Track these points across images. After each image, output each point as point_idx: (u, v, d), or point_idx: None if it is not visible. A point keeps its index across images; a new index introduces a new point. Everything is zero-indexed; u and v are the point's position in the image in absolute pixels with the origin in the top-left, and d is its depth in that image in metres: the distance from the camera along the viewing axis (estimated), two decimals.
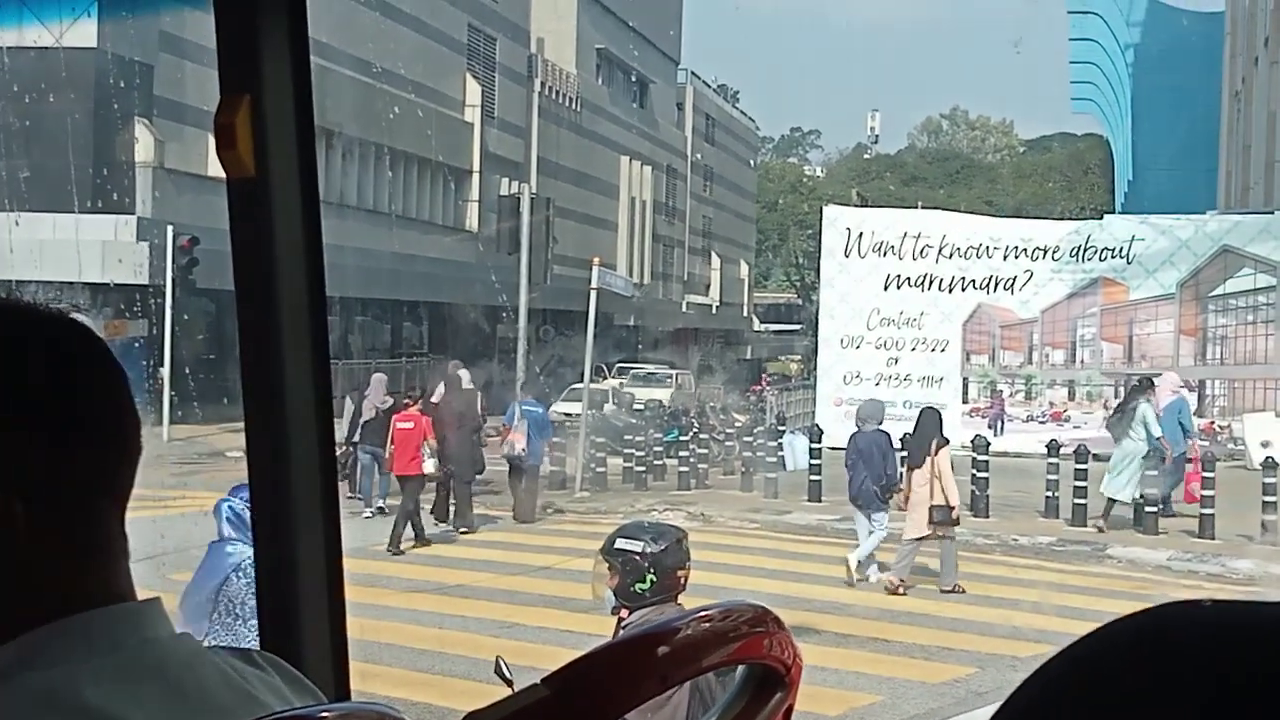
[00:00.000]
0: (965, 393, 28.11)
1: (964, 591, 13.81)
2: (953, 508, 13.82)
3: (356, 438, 18.63)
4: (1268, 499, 17.38)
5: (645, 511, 18.49)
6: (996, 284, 28.60)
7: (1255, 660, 0.56)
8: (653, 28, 62.47)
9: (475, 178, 45.43)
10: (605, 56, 57.92)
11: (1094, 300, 28.30)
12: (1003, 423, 27.94)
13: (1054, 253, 28.46)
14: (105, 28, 26.41)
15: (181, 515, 13.64)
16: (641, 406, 28.69)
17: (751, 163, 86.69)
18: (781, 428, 25.51)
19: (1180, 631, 0.58)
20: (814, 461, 21.01)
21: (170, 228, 25.09)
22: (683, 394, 36.71)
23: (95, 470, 1.11)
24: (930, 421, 14.22)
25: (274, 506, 1.46)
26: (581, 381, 23.46)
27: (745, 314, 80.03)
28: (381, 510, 18.11)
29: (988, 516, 18.65)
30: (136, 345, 24.88)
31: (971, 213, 36.87)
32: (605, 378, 38.15)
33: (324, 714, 0.99)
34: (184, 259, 24.70)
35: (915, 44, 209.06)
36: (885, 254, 28.84)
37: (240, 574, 5.91)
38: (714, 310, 72.53)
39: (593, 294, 22.20)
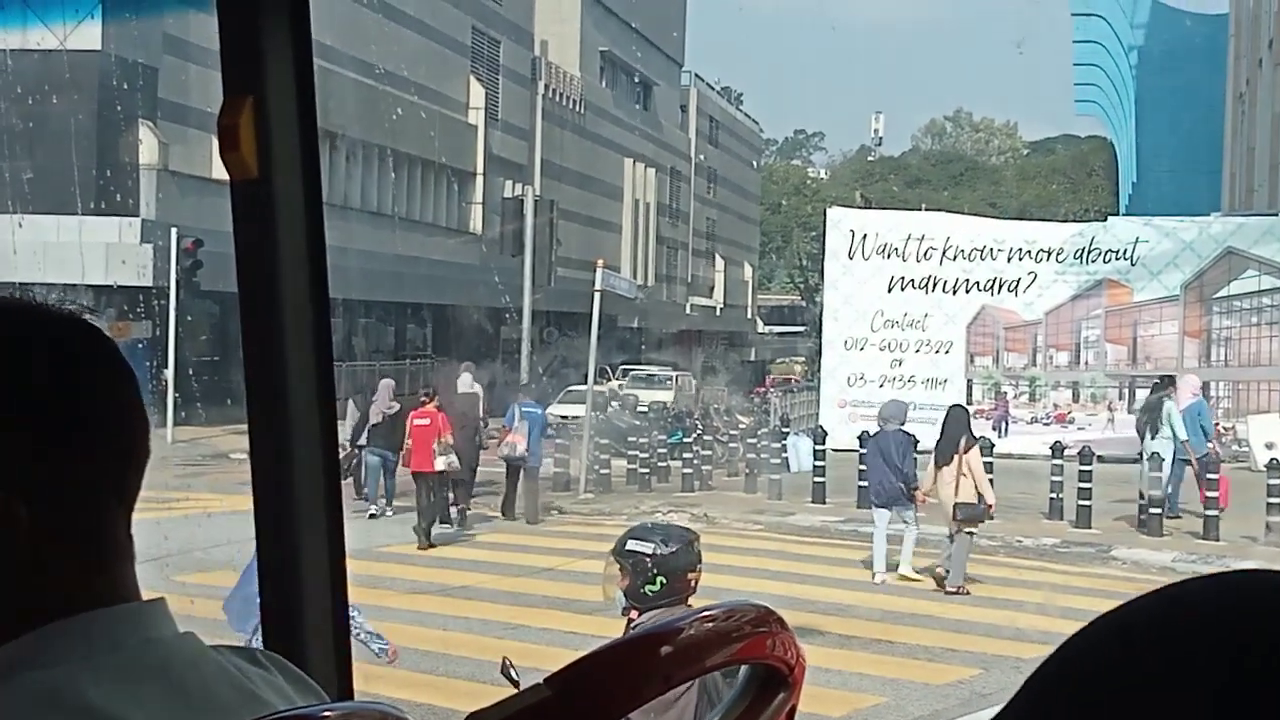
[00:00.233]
0: (969, 395, 28.06)
1: (969, 593, 13.84)
2: (990, 505, 14.17)
3: (363, 440, 18.70)
4: (1272, 500, 17.35)
5: (649, 513, 18.50)
6: (1000, 286, 28.58)
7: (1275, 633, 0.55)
8: (656, 30, 62.50)
9: (479, 180, 45.47)
10: (609, 59, 57.95)
11: (1098, 302, 28.28)
12: (1007, 424, 27.93)
13: (1058, 255, 28.44)
14: (109, 30, 26.40)
15: (185, 517, 13.66)
16: (646, 408, 28.69)
17: (755, 165, 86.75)
18: (785, 429, 25.51)
19: (1195, 609, 0.58)
20: (818, 463, 21.04)
21: (174, 230, 25.13)
22: (682, 395, 36.71)
23: (101, 472, 1.10)
24: (958, 420, 14.46)
25: (277, 507, 1.46)
26: (581, 384, 23.48)
27: (749, 316, 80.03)
28: (383, 514, 18.14)
29: (991, 518, 18.62)
30: (140, 347, 24.92)
31: (975, 215, 36.86)
32: (609, 379, 38.15)
33: (327, 713, 0.99)
34: (188, 261, 24.74)
35: (919, 46, 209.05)
36: (889, 256, 28.83)
37: None
38: (718, 312, 72.54)
39: (596, 296, 22.20)
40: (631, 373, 41.18)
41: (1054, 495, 19.27)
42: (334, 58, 31.11)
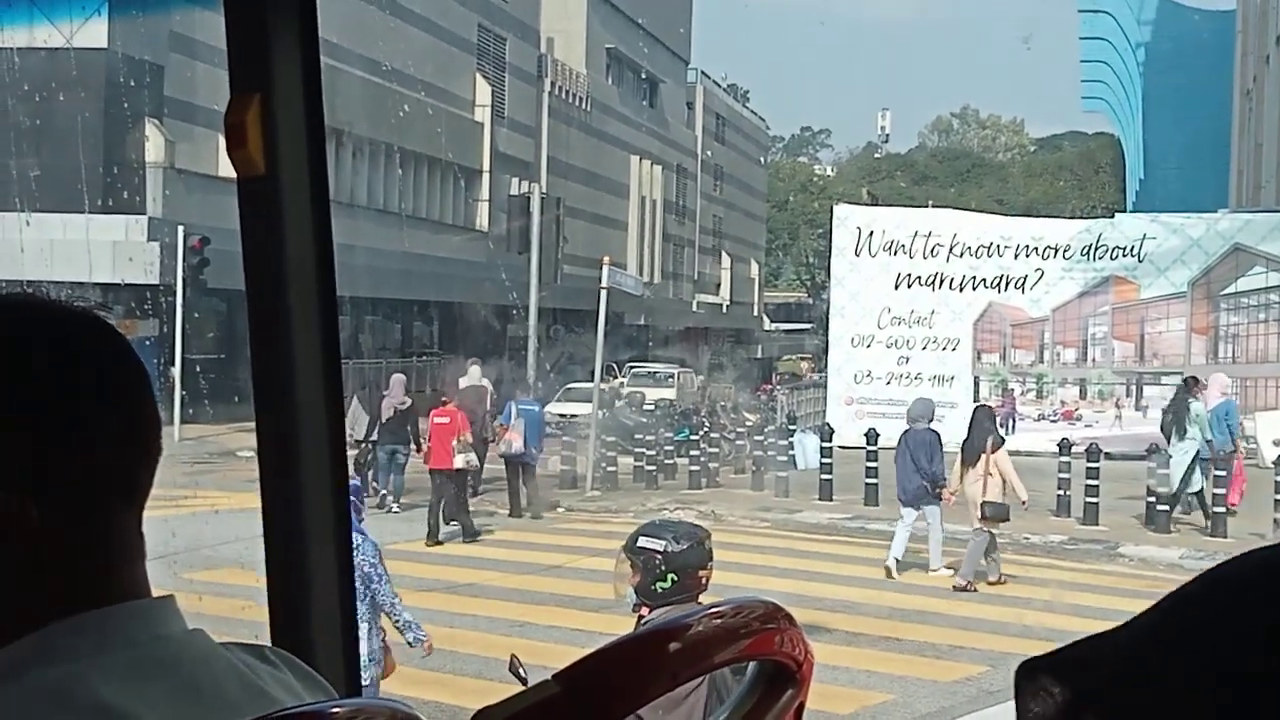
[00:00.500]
0: (976, 391, 28.01)
1: (976, 590, 13.86)
2: (1024, 502, 14.49)
3: (374, 436, 18.76)
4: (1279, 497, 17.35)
5: (656, 510, 18.51)
6: (1007, 283, 28.55)
7: None
8: (662, 27, 62.49)
9: (485, 177, 45.48)
10: (615, 56, 57.94)
11: (1105, 299, 28.23)
12: (1014, 421, 27.86)
13: (1065, 251, 28.39)
14: (116, 28, 26.45)
15: (193, 515, 13.69)
16: (652, 406, 28.70)
17: (762, 161, 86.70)
18: (792, 426, 25.52)
19: None
20: (825, 460, 21.03)
21: (181, 228, 25.16)
22: (685, 393, 36.70)
23: (111, 470, 1.10)
24: (984, 420, 14.71)
25: (285, 504, 1.46)
26: (581, 382, 23.47)
27: (755, 313, 79.99)
28: (389, 509, 18.17)
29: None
30: (147, 344, 24.94)
31: (982, 211, 36.84)
32: (616, 376, 38.14)
33: (336, 710, 0.99)
34: (195, 259, 24.78)
35: (926, 43, 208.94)
36: (896, 253, 28.81)
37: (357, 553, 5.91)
38: (724, 309, 72.51)
39: (603, 293, 22.19)
40: (635, 370, 41.19)
41: (1061, 492, 19.25)
42: (341, 55, 31.13)
